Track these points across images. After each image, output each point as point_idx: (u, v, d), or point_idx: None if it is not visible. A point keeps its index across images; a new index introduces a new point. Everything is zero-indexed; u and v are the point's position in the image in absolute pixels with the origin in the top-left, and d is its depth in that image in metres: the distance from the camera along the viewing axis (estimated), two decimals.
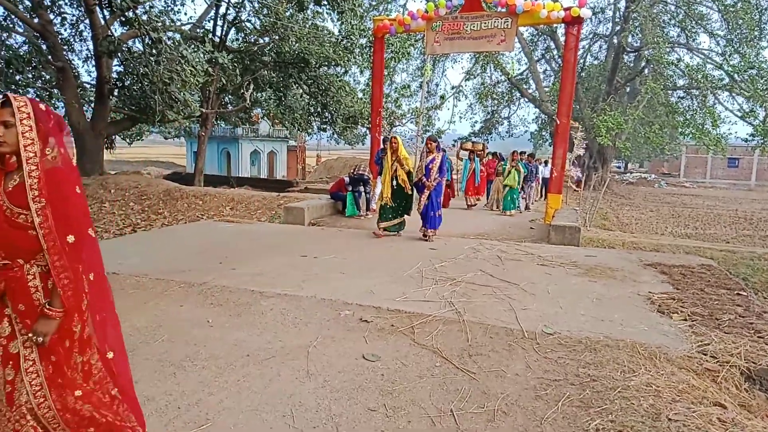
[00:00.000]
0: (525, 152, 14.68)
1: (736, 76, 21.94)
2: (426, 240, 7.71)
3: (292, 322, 4.23)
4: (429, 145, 7.78)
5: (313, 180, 32.01)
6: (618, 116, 22.67)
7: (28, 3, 15.66)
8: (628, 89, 31.81)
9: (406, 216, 8.14)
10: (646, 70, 27.72)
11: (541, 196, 17.56)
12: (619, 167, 61.18)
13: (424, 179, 7.65)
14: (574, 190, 16.66)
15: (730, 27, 23.45)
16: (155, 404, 2.91)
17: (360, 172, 10.33)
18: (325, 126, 20.83)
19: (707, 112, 23.58)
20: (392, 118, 19.10)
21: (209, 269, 5.79)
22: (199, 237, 8.00)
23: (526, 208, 13.88)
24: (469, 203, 13.77)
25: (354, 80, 23.43)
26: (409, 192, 7.88)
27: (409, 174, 7.81)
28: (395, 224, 8.07)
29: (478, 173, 13.88)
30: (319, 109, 19.58)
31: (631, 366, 3.44)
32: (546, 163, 17.91)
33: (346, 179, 10.55)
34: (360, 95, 20.51)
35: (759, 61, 21.91)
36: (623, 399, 3.01)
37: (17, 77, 14.42)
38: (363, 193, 10.39)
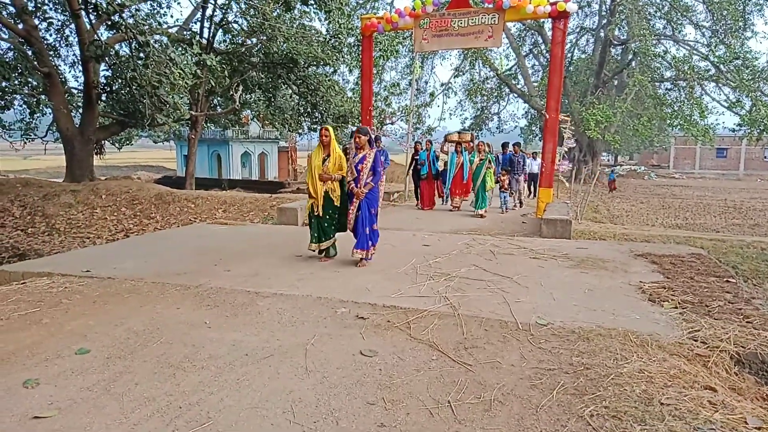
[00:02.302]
0: (508, 143, 13.26)
1: (722, 66, 22.19)
2: (359, 265, 6.00)
3: (289, 321, 4.26)
4: (357, 139, 5.94)
5: (303, 180, 31.96)
6: (606, 109, 22.85)
7: (12, 9, 15.54)
8: (615, 82, 32.07)
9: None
10: (633, 63, 27.96)
11: (531, 193, 16.23)
12: (608, 160, 61.60)
13: (353, 184, 5.97)
14: (565, 185, 16.50)
15: (714, 18, 23.71)
16: (156, 404, 2.94)
17: None
18: (315, 126, 20.82)
19: (695, 103, 23.81)
20: (382, 116, 19.13)
21: (204, 271, 5.81)
22: (193, 240, 8.01)
23: (517, 205, 12.86)
24: (453, 204, 12.08)
25: (343, 79, 23.50)
26: (338, 204, 6.19)
27: (342, 179, 6.14)
28: (331, 245, 6.37)
29: (466, 169, 11.82)
30: (309, 109, 19.58)
31: (624, 354, 3.50)
32: (534, 155, 16.44)
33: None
34: (349, 94, 20.54)
35: (744, 52, 22.15)
36: (616, 386, 3.07)
37: (3, 84, 14.33)
38: None
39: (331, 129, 6.19)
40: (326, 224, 6.22)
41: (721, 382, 3.28)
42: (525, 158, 14.16)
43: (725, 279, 5.43)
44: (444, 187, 12.48)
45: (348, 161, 6.08)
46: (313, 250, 6.35)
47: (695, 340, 3.77)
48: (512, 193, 12.56)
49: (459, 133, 13.82)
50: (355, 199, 6.02)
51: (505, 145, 13.09)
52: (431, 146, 12.24)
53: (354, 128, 12.88)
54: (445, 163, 12.24)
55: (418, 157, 12.26)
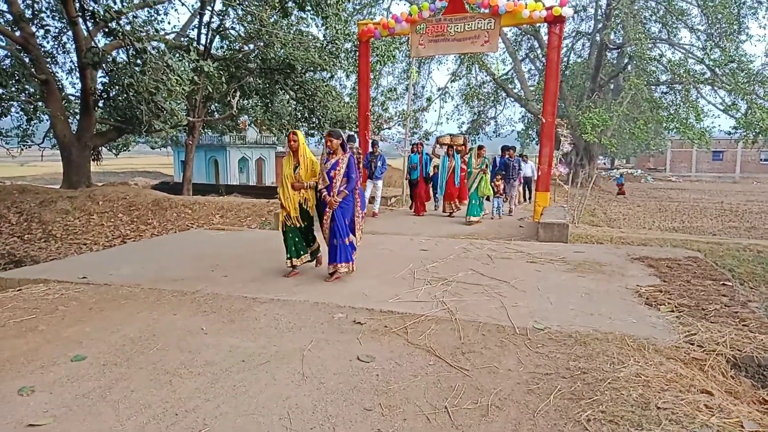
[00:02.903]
0: (507, 146, 13.06)
1: (717, 70, 22.29)
2: (334, 278, 5.59)
3: (286, 326, 4.26)
4: (329, 143, 5.48)
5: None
6: (603, 113, 22.91)
7: (9, 16, 15.57)
8: (612, 86, 32.18)
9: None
10: (629, 67, 28.06)
11: (525, 198, 15.76)
12: (605, 163, 61.74)
13: (325, 192, 5.48)
14: (564, 188, 16.49)
15: (709, 22, 23.82)
16: (152, 411, 2.93)
17: None
18: (312, 131, 20.85)
19: (690, 107, 23.89)
20: (380, 121, 19.16)
21: (201, 277, 5.80)
22: (190, 246, 7.99)
23: (509, 212, 12.21)
24: (447, 210, 11.43)
25: (340, 85, 23.54)
26: (313, 214, 5.80)
27: (316, 186, 5.66)
28: (306, 259, 5.95)
29: (458, 173, 11.37)
30: (306, 115, 19.61)
31: (621, 358, 3.51)
32: (525, 158, 16.06)
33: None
34: (347, 99, 20.58)
35: (739, 55, 22.27)
36: (613, 390, 3.07)
37: (0, 91, 14.32)
38: None
39: (300, 134, 5.68)
40: (302, 235, 5.79)
41: (718, 386, 3.28)
42: (520, 162, 13.81)
43: (722, 282, 5.44)
44: (436, 191, 12.00)
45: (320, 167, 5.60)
46: (295, 266, 5.85)
47: (692, 344, 3.77)
48: (506, 199, 12.05)
49: (451, 136, 12.96)
50: (327, 209, 5.51)
51: (504, 149, 12.79)
52: (422, 149, 11.78)
53: (350, 133, 12.82)
54: (436, 167, 11.81)
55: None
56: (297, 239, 5.79)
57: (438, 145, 13.48)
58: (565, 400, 3.00)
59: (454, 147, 11.79)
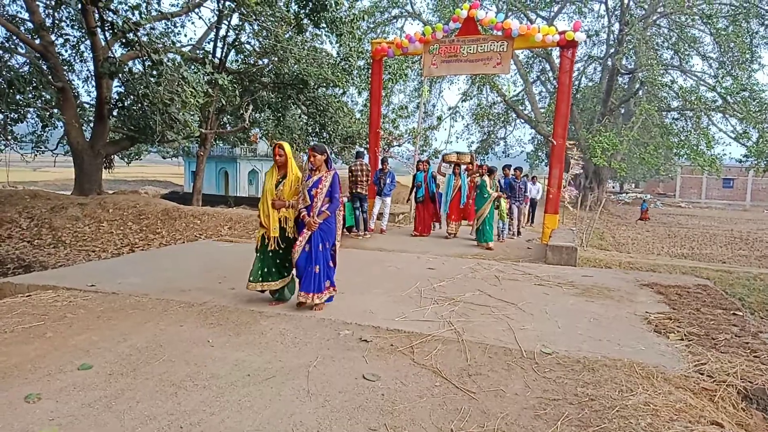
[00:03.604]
0: (510, 165, 12.24)
1: (728, 98, 22.26)
2: (304, 308, 5.03)
3: (292, 341, 4.25)
4: (312, 159, 4.99)
5: None
6: (613, 137, 22.91)
7: (30, 25, 15.87)
8: (622, 110, 32.21)
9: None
10: (640, 92, 28.14)
11: (528, 220, 15.14)
12: (614, 187, 61.58)
13: (304, 212, 4.95)
14: (570, 210, 16.37)
15: (722, 50, 23.90)
16: (157, 423, 2.92)
17: (358, 190, 10.28)
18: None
19: (701, 134, 23.86)
20: (390, 138, 19.26)
21: (209, 289, 5.81)
22: (198, 257, 8.02)
23: (518, 233, 11.88)
24: (449, 231, 10.97)
25: (352, 101, 23.71)
26: (292, 235, 5.15)
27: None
28: (281, 286, 5.29)
29: (464, 192, 10.95)
30: (317, 130, 19.76)
31: (629, 385, 3.47)
32: (534, 179, 15.84)
33: (344, 199, 10.62)
34: (358, 116, 20.74)
35: (751, 84, 22.26)
36: (621, 418, 3.03)
37: (18, 97, 14.55)
38: (361, 212, 10.43)
39: (286, 146, 5.10)
40: (277, 260, 5.18)
41: (728, 418, 3.23)
42: (527, 184, 13.20)
43: (732, 311, 5.38)
44: (440, 210, 11.56)
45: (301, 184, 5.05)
46: (261, 290, 5.28)
47: (701, 374, 3.73)
48: (512, 221, 11.62)
49: (458, 154, 12.50)
50: (305, 230, 4.94)
51: (505, 168, 11.98)
52: (428, 167, 11.28)
53: (360, 149, 12.77)
54: (439, 186, 11.46)
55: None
56: (269, 262, 5.15)
57: (444, 163, 13.14)
58: (572, 427, 2.97)
59: (462, 165, 11.55)
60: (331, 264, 5.17)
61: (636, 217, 32.62)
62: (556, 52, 24.87)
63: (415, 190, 11.21)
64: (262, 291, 5.31)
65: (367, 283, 6.30)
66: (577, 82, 31.36)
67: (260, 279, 5.16)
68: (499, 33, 9.99)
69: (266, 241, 5.12)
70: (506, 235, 11.04)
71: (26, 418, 2.94)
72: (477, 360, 3.93)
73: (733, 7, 23.71)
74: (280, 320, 4.73)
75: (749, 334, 4.63)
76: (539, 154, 36.39)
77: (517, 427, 2.99)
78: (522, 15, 27.84)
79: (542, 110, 31.23)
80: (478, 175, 10.96)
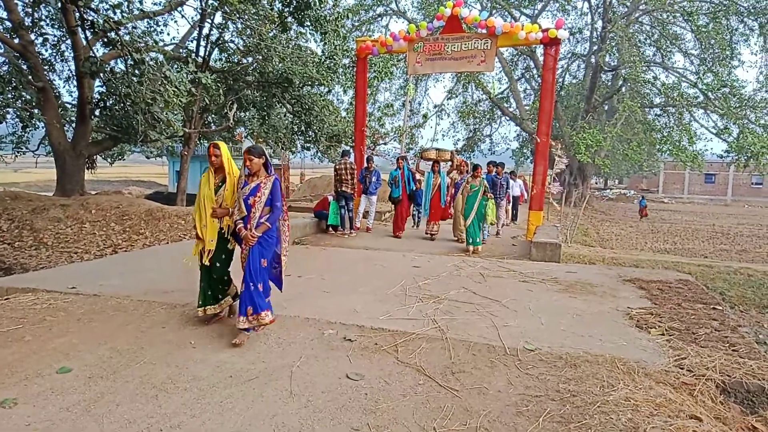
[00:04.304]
0: (495, 162, 12.10)
1: (710, 94, 22.58)
2: (237, 342, 4.16)
3: (276, 342, 4.23)
4: (248, 162, 4.31)
5: (296, 198, 31.95)
6: (597, 134, 23.13)
7: (8, 24, 15.59)
8: (606, 107, 32.53)
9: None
10: (623, 89, 28.41)
11: (511, 218, 14.36)
12: (596, 182, 62.13)
13: (241, 224, 4.28)
14: (555, 207, 16.41)
15: (703, 47, 24.24)
16: (137, 427, 2.89)
17: (344, 189, 10.24)
18: (308, 145, 20.89)
19: (683, 130, 24.17)
20: (376, 136, 19.25)
21: (192, 290, 5.74)
22: (182, 258, 7.94)
23: (497, 234, 11.36)
24: (429, 231, 10.38)
25: (337, 99, 23.66)
26: (235, 247, 4.65)
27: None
28: (218, 309, 4.69)
29: (444, 191, 10.40)
30: (302, 128, 19.66)
31: (611, 381, 3.50)
32: (514, 176, 15.18)
33: (330, 198, 10.59)
34: (343, 114, 20.68)
35: (731, 80, 22.60)
36: (602, 414, 3.06)
37: None
38: (347, 210, 10.39)
39: (223, 146, 4.57)
40: (218, 278, 4.61)
41: (707, 412, 3.27)
42: (509, 180, 12.69)
43: (712, 306, 5.46)
44: (419, 209, 11.16)
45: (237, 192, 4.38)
46: (215, 314, 4.67)
47: (681, 368, 3.78)
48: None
49: (437, 150, 11.72)
50: (243, 245, 4.30)
51: (490, 165, 11.86)
52: (404, 164, 10.64)
53: (346, 148, 12.59)
54: (420, 183, 10.93)
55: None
56: (211, 282, 4.59)
57: (422, 161, 12.43)
58: (554, 423, 2.99)
59: (441, 162, 11.11)
60: (270, 285, 4.41)
61: (626, 213, 32.96)
62: (540, 50, 24.99)
63: (391, 187, 10.67)
64: (211, 315, 4.63)
65: (352, 282, 6.28)
66: (561, 80, 31.60)
67: (211, 301, 4.61)
68: (483, 31, 10.02)
69: (204, 257, 4.48)
70: (488, 235, 10.26)
71: (2, 424, 2.89)
72: (461, 357, 3.94)
73: (713, 5, 24.06)
74: None
75: (728, 329, 4.70)
76: (524, 151, 36.64)
77: (499, 424, 3.00)
78: (506, 13, 27.98)
79: (527, 107, 31.44)
80: (456, 172, 10.67)
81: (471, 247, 8.86)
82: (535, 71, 31.50)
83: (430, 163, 11.15)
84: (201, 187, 4.58)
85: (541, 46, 10.27)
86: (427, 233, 10.43)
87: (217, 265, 4.55)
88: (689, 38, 26.39)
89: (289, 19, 15.31)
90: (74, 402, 3.16)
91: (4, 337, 4.21)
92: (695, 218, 32.39)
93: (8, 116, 16.28)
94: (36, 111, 15.81)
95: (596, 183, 59.86)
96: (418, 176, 11.20)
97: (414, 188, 10.73)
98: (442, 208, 10.56)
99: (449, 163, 11.98)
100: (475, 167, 9.30)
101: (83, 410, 3.07)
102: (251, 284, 4.21)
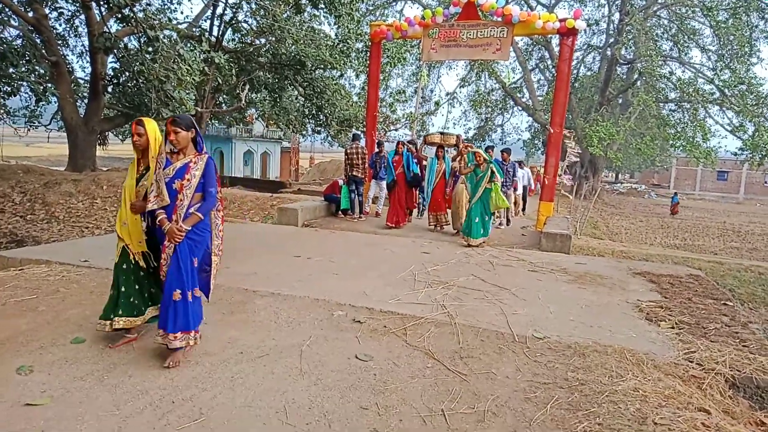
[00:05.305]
0: (492, 147, 10.92)
1: (726, 90, 22.27)
2: (170, 364, 3.34)
3: (286, 321, 4.26)
4: (173, 136, 3.39)
5: (305, 182, 32.01)
6: (610, 127, 22.90)
7: None
8: (620, 100, 32.16)
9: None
10: (638, 82, 28.07)
11: (521, 208, 13.26)
12: (606, 175, 61.67)
13: (163, 215, 3.40)
14: (569, 198, 16.20)
15: (721, 42, 23.83)
16: (149, 398, 2.93)
17: (354, 173, 10.18)
18: (319, 128, 20.88)
19: (698, 126, 23.89)
20: (387, 122, 19.17)
21: None
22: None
23: (504, 223, 10.49)
24: (434, 222, 9.57)
25: (350, 84, 23.55)
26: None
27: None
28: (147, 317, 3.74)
29: (449, 178, 9.54)
30: (313, 112, 19.64)
31: (619, 371, 3.50)
32: (522, 164, 13.79)
33: (340, 182, 10.58)
34: (355, 99, 20.61)
35: (749, 77, 22.26)
36: (611, 403, 3.07)
37: (11, 70, 14.34)
38: (356, 195, 10.39)
39: (150, 124, 3.67)
40: (144, 283, 3.71)
41: (715, 405, 3.27)
42: (516, 168, 11.74)
43: (722, 302, 5.43)
44: (421, 197, 10.34)
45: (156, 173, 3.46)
46: (126, 330, 3.65)
47: (691, 362, 3.77)
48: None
49: (441, 134, 10.81)
50: (167, 242, 3.40)
51: (488, 149, 10.81)
52: (403, 148, 9.80)
53: (356, 132, 12.31)
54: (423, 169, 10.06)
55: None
56: (136, 287, 3.67)
57: (426, 145, 11.41)
58: (562, 410, 3.00)
59: (446, 147, 10.11)
60: (197, 293, 3.49)
61: (636, 208, 32.74)
62: (555, 40, 24.69)
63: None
64: (126, 330, 3.65)
65: (361, 265, 6.30)
66: (575, 71, 31.23)
67: (126, 312, 3.60)
68: (500, 19, 9.90)
69: (129, 257, 3.64)
70: (493, 225, 9.45)
71: (18, 390, 2.94)
72: (469, 343, 3.95)
73: (733, 0, 23.61)
74: (274, 300, 4.73)
75: (739, 324, 4.68)
76: (536, 142, 36.36)
77: (507, 409, 3.02)
78: (522, 1, 27.61)
79: (540, 98, 31.13)
80: (460, 159, 9.43)
81: (466, 239, 8.03)
82: (549, 62, 31.17)
83: (434, 148, 10.27)
84: (126, 176, 3.75)
85: (557, 36, 10.15)
86: (430, 224, 9.63)
87: (148, 269, 3.70)
88: (707, 33, 25.93)
89: (303, 0, 15.19)
90: (88, 371, 3.21)
91: (20, 306, 4.27)
92: (706, 215, 32.15)
93: (22, 89, 16.35)
94: (49, 85, 15.86)
95: (607, 176, 59.43)
96: (424, 163, 10.50)
97: (415, 173, 9.84)
98: (447, 197, 9.57)
99: (455, 148, 11.12)
100: (487, 149, 8.61)
101: (96, 380, 3.11)
102: (179, 291, 3.34)
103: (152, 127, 3.64)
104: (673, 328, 4.48)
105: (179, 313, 3.35)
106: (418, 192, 10.44)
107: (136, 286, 3.67)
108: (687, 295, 5.61)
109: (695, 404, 3.15)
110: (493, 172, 7.89)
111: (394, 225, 9.45)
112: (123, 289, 3.62)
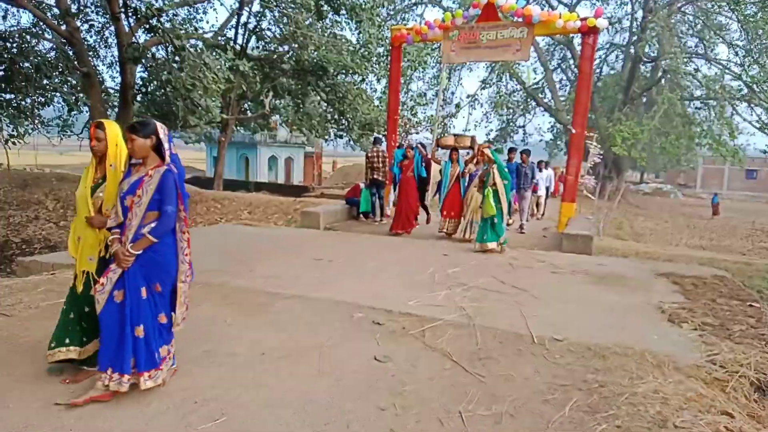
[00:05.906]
0: (514, 148, 10.82)
1: (755, 86, 21.75)
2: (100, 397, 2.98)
3: (306, 322, 4.34)
4: (131, 144, 3.05)
5: (328, 186, 32.24)
6: (634, 126, 22.56)
7: (56, 11, 16.11)
8: (644, 99, 31.64)
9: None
10: (662, 81, 27.59)
11: (540, 211, 13.31)
12: (630, 175, 60.49)
13: (116, 236, 3.03)
14: (591, 199, 15.90)
15: (749, 37, 23.25)
16: (172, 399, 3.02)
17: (375, 176, 10.22)
18: (341, 133, 21.02)
19: (725, 123, 23.36)
20: (408, 125, 19.21)
21: (228, 270, 5.92)
22: (218, 239, 8.16)
23: (520, 229, 10.19)
24: (445, 229, 9.02)
25: (371, 88, 23.61)
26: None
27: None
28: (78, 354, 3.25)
29: (464, 183, 9.05)
30: (336, 116, 19.79)
31: (639, 373, 3.48)
32: (540, 165, 13.27)
33: (362, 185, 10.67)
34: (376, 103, 20.67)
35: None
36: (630, 405, 3.05)
37: (44, 82, 14.82)
38: (378, 198, 10.46)
39: (111, 126, 3.32)
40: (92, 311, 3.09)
41: (740, 409, 3.22)
42: (535, 170, 11.31)
43: (749, 303, 5.33)
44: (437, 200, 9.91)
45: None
46: (69, 361, 3.25)
47: (714, 364, 3.72)
48: (520, 212, 10.40)
49: (455, 136, 10.41)
50: (113, 265, 2.99)
51: (511, 151, 10.75)
52: (412, 152, 9.50)
53: (377, 135, 12.41)
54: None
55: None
56: (81, 314, 3.23)
57: (439, 148, 11.12)
58: (581, 412, 3.00)
59: (460, 150, 9.84)
60: (164, 319, 3.13)
61: (662, 208, 32.09)
62: (577, 40, 24.42)
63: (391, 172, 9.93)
64: (80, 362, 3.26)
65: (381, 268, 6.36)
66: (598, 70, 30.87)
67: (74, 341, 3.23)
68: (520, 19, 9.87)
69: (77, 282, 3.21)
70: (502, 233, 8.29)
71: (48, 390, 3.07)
72: (487, 345, 3.97)
73: None
74: (295, 302, 4.82)
75: (765, 326, 4.59)
76: (558, 142, 35.98)
77: (525, 410, 3.03)
78: (543, 1, 27.40)
79: (562, 98, 30.83)
80: (474, 162, 8.93)
81: (477, 245, 7.71)
82: (571, 61, 30.83)
83: (448, 151, 10.00)
84: (80, 184, 3.27)
85: (579, 35, 10.08)
86: (441, 230, 9.08)
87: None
88: (735, 28, 25.34)
89: (325, 7, 15.36)
90: None
91: (51, 309, 4.43)
92: (734, 214, 31.32)
93: (55, 100, 16.87)
94: (81, 95, 16.32)
95: (632, 177, 58.34)
96: (434, 166, 10.37)
97: (422, 175, 9.75)
98: (461, 201, 8.93)
99: (470, 151, 10.42)
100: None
101: None
102: (123, 327, 2.92)
103: (113, 132, 3.26)
104: (696, 329, 4.42)
105: (135, 350, 2.94)
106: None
107: (79, 314, 3.24)
108: (711, 297, 5.52)
109: (718, 407, 3.12)
110: (494, 174, 7.63)
111: (401, 231, 9.11)
112: (63, 316, 3.27)
